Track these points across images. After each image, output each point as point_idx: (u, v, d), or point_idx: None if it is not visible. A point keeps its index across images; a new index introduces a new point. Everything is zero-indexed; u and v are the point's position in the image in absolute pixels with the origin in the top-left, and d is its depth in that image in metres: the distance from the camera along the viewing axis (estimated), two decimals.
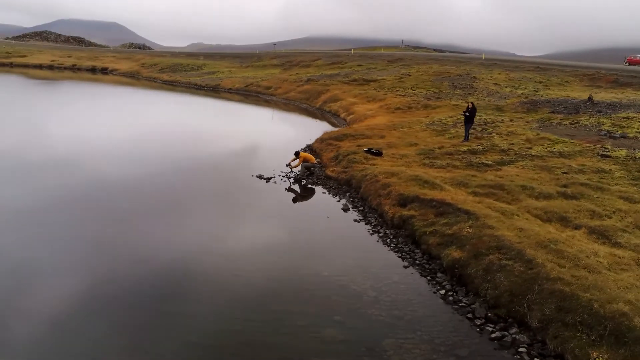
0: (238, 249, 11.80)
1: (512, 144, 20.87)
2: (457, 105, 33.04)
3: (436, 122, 26.78)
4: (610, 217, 12.80)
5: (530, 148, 20.06)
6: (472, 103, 22.17)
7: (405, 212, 13.39)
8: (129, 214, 13.62)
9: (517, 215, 12.70)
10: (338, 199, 16.22)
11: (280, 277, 10.30)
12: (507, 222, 11.82)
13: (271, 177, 18.26)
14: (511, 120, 26.50)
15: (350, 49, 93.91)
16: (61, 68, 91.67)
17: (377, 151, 20.02)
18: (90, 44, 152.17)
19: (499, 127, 24.67)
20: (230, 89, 60.56)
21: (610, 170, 16.80)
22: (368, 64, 65.62)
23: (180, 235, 12.30)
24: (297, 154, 18.75)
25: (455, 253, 10.71)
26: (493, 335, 8.36)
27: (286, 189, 17.29)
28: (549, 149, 19.77)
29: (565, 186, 15.25)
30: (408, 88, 44.30)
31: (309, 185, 17.85)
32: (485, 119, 27.06)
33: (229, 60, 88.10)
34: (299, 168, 18.69)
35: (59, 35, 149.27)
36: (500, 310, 8.93)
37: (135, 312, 8.64)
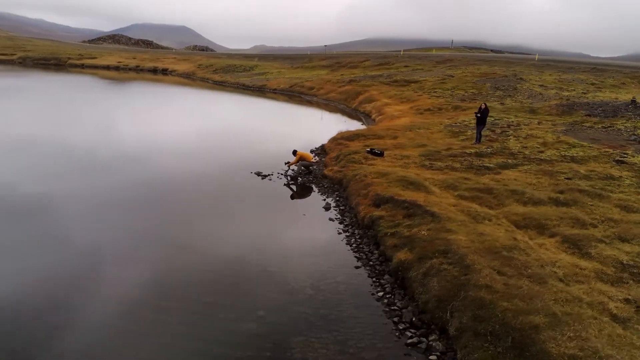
0: (194, 242, 12.07)
1: (525, 147, 19.79)
2: (489, 106, 31.77)
3: (457, 124, 25.90)
4: (596, 227, 11.89)
5: (542, 152, 18.94)
6: (484, 104, 21.22)
7: (377, 213, 13.12)
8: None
9: (490, 220, 12.10)
10: (325, 198, 16.16)
11: (223, 270, 10.47)
12: (470, 226, 11.30)
13: (268, 175, 18.49)
14: (539, 123, 25.12)
15: (403, 51, 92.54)
16: (126, 69, 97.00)
17: (379, 151, 19.70)
18: (157, 47, 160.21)
19: (521, 129, 23.46)
20: (275, 89, 61.67)
21: (620, 177, 15.54)
22: (415, 65, 64.52)
23: (140, 227, 12.82)
24: (294, 152, 18.86)
25: (403, 255, 10.40)
26: (409, 341, 8.07)
27: (284, 185, 17.52)
28: (562, 153, 18.58)
29: (561, 192, 14.30)
30: (447, 89, 43.12)
31: (306, 184, 17.90)
32: (512, 121, 25.82)
33: (280, 62, 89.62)
34: (295, 166, 18.77)
35: (130, 39, 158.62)
36: (426, 315, 8.59)
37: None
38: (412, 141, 22.13)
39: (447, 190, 15.03)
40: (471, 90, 41.23)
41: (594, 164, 17.14)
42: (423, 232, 11.05)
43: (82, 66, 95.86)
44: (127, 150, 21.99)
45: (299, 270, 10.62)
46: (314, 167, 19.01)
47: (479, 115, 20.76)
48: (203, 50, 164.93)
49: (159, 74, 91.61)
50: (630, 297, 8.51)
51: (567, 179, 15.57)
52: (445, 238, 10.49)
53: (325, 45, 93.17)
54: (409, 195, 13.83)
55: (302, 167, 18.67)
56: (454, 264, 9.35)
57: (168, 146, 23.49)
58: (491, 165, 17.48)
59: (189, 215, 13.92)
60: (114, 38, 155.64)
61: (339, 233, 13.05)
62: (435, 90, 43.55)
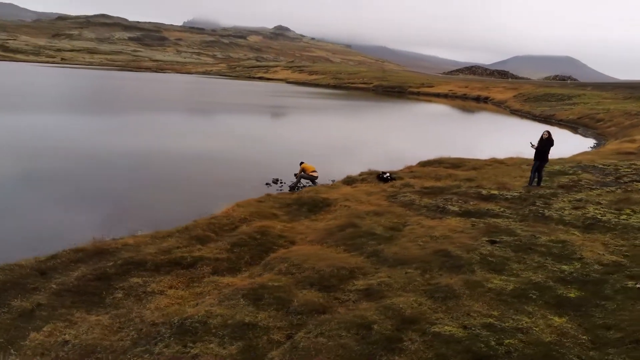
0: None
1: (580, 200, 12.67)
2: None
3: (581, 164, 17.90)
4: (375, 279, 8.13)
5: (578, 209, 11.83)
6: (547, 132, 14.31)
7: None
8: None
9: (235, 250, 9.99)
10: None
11: None
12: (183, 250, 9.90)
13: (278, 183, 18.90)
14: None
15: None
16: (454, 97, 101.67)
17: (386, 177, 16.77)
18: (513, 77, 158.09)
19: None
20: (561, 120, 53.43)
21: (581, 245, 8.76)
22: None
23: None
24: (300, 164, 18.52)
25: None
26: None
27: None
28: (602, 217, 11.19)
29: (436, 252, 9.62)
30: None
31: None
32: None
33: (617, 92, 74.42)
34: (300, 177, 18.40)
35: (485, 69, 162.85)
36: None
37: None
38: (469, 174, 17.32)
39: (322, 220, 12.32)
40: None
41: (606, 237, 9.88)
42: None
43: (418, 94, 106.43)
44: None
45: None
46: (316, 179, 18.10)
47: (536, 147, 14.39)
48: (563, 80, 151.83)
49: (480, 102, 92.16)
50: None
51: (490, 240, 9.95)
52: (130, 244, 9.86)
53: None
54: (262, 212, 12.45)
55: (304, 179, 18.19)
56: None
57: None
58: (455, 208, 12.52)
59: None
60: (471, 69, 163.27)
61: None
62: None
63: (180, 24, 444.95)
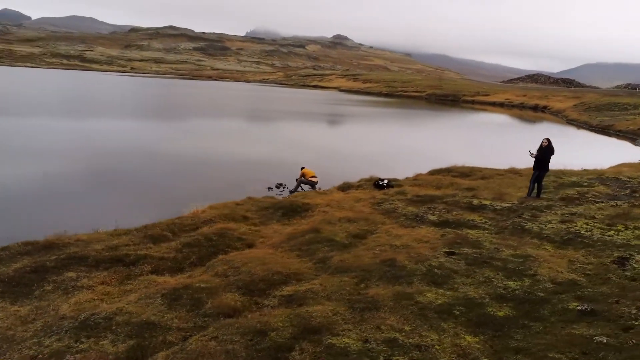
0: None
1: (572, 213, 11.61)
2: None
3: (602, 176, 16.38)
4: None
5: (564, 223, 10.81)
6: (547, 139, 13.16)
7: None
8: None
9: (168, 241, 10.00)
10: None
11: None
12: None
13: (280, 187, 18.83)
14: None
15: None
16: (509, 106, 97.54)
17: (382, 184, 16.23)
18: (578, 85, 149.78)
19: None
20: (619, 130, 49.91)
21: (542, 261, 7.98)
22: None
23: None
24: (301, 169, 18.34)
25: None
26: None
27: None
28: (587, 226, 10.18)
29: (384, 261, 9.18)
30: None
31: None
32: None
33: None
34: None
35: (549, 78, 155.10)
36: None
37: None
38: (474, 183, 16.41)
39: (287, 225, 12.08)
40: None
41: (579, 253, 8.94)
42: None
43: (473, 102, 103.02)
44: None
45: None
46: (314, 184, 17.84)
47: (535, 156, 13.33)
48: (635, 88, 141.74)
49: (538, 111, 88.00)
50: None
51: (448, 252, 9.33)
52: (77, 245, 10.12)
53: None
54: (229, 215, 12.42)
55: (304, 184, 18.00)
56: None
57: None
58: (435, 219, 11.85)
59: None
60: (532, 77, 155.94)
61: None
62: None
63: (243, 34, 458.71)
